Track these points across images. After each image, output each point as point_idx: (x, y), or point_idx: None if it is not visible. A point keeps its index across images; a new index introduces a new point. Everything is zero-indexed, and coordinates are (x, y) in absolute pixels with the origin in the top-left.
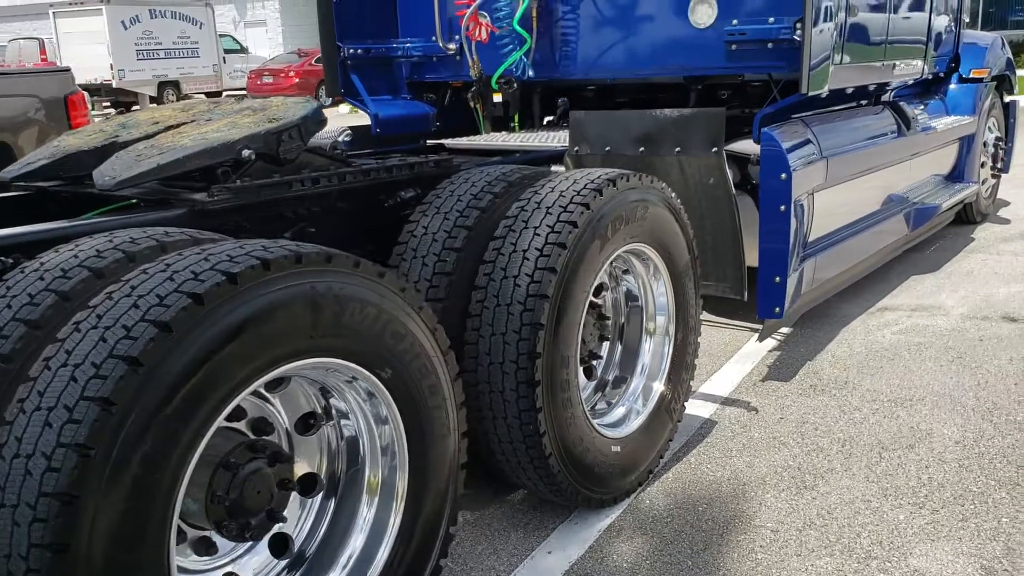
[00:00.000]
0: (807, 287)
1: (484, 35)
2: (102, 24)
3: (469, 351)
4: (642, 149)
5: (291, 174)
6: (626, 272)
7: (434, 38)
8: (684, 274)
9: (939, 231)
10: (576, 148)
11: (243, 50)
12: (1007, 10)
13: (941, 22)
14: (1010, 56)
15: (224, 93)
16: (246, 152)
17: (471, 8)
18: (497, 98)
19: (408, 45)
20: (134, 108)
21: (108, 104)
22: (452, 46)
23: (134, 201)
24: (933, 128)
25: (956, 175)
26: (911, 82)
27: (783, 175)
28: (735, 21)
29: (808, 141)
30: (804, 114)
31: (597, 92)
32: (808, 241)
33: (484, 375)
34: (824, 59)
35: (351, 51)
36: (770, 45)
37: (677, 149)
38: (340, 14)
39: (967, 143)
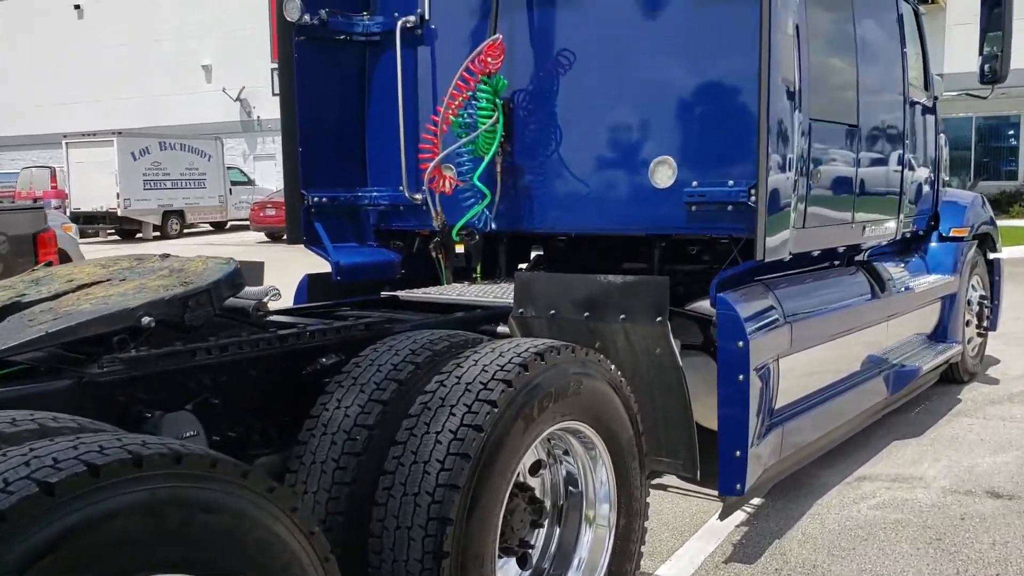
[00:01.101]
0: (775, 457)
1: (448, 187)
2: (112, 155)
3: (373, 544)
4: (587, 314)
5: (201, 340)
6: (565, 452)
7: (401, 188)
8: (627, 453)
9: (925, 391)
10: (521, 310)
11: (250, 182)
12: (1001, 160)
13: (916, 181)
14: (991, 214)
15: (229, 223)
16: (146, 319)
17: (434, 161)
18: (460, 249)
19: (375, 194)
20: (138, 236)
21: (112, 231)
22: (418, 196)
23: (25, 366)
24: (912, 288)
25: (939, 335)
26: (885, 243)
27: (740, 343)
28: (695, 183)
29: (770, 306)
30: (768, 276)
31: (569, 242)
32: (775, 409)
33: (387, 574)
34: (783, 224)
35: (315, 199)
36: (729, 208)
37: (622, 316)
38: (307, 162)
39: (949, 302)
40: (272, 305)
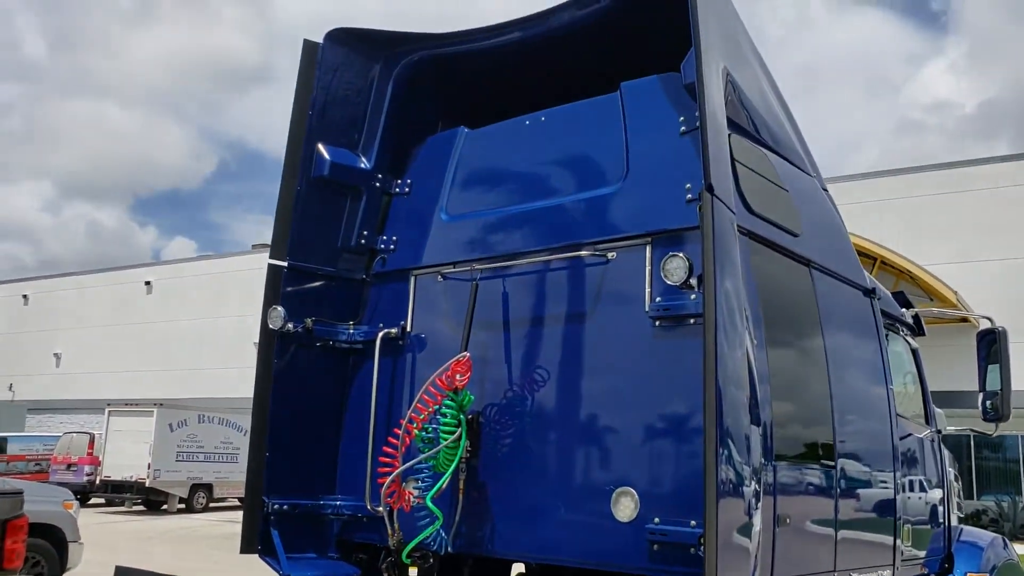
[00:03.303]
0: None
1: (407, 503)
2: (151, 425)
3: None
4: None
5: None
6: None
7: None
8: None
9: None
10: None
11: None
12: None
13: (918, 522)
14: (1015, 557)
15: None
16: None
17: (391, 476)
18: (414, 572)
19: (339, 503)
20: (163, 508)
21: (138, 501)
22: (381, 508)
23: None
24: None
25: None
26: None
27: None
28: (657, 520)
29: None
30: None
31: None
32: None
33: None
34: (743, 573)
35: (275, 506)
36: (692, 550)
37: None
38: (272, 468)
39: None
40: None
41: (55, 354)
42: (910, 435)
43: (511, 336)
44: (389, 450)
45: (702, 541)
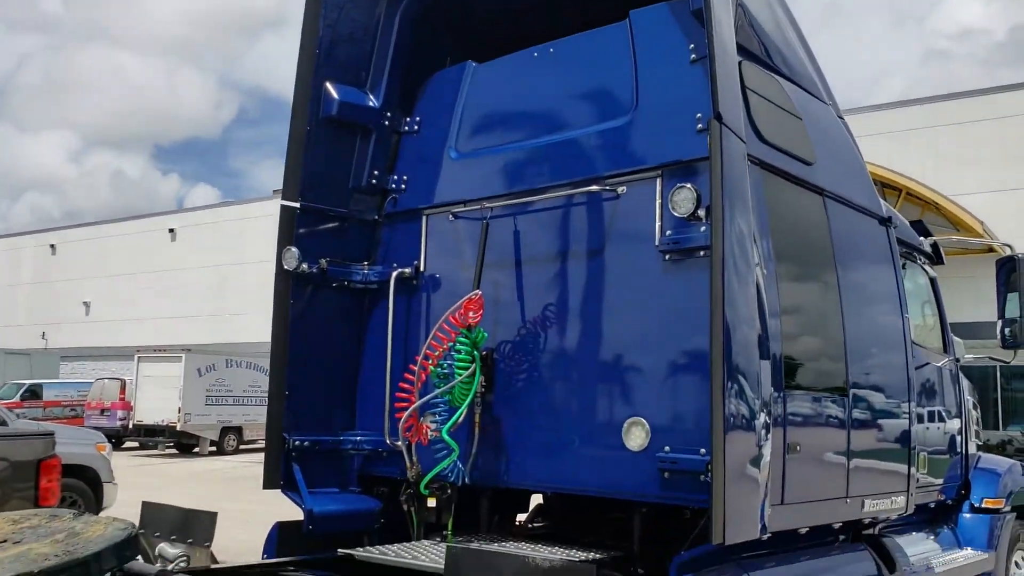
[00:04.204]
0: None
1: (424, 437)
2: (180, 370)
3: None
4: None
5: None
6: None
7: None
8: None
9: None
10: None
11: None
12: None
13: (934, 449)
14: None
15: None
16: None
17: (408, 410)
18: (432, 502)
19: (359, 438)
20: (195, 451)
21: (171, 445)
22: (400, 443)
23: None
24: (933, 568)
25: None
26: (896, 517)
27: None
28: (667, 448)
29: None
30: (747, 555)
31: (565, 496)
32: None
33: None
34: (751, 500)
35: (296, 442)
36: (702, 477)
37: None
38: (293, 405)
39: None
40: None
41: (84, 303)
42: (927, 364)
43: (523, 273)
44: (405, 386)
45: (710, 468)
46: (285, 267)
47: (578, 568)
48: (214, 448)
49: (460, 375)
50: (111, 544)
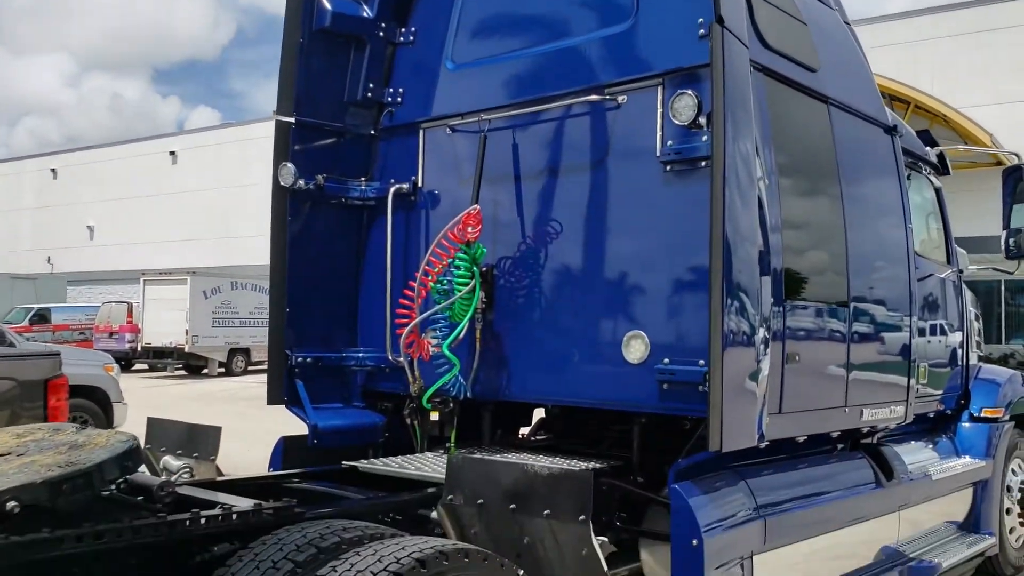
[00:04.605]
0: None
1: (425, 353)
2: (185, 292)
3: None
4: (513, 506)
5: (75, 525)
6: None
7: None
8: None
9: None
10: (451, 497)
11: None
12: None
13: (935, 360)
14: None
15: None
16: (11, 504)
17: (409, 326)
18: (435, 416)
19: (362, 354)
20: (203, 372)
21: (180, 367)
22: (402, 359)
23: None
24: (930, 475)
25: (972, 524)
26: (895, 426)
27: (694, 540)
28: (666, 360)
29: (739, 498)
30: (745, 463)
31: (568, 409)
32: None
33: None
34: (749, 409)
35: (299, 359)
36: (700, 388)
37: (546, 512)
38: (293, 322)
39: (982, 489)
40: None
41: (88, 227)
42: (931, 275)
43: (522, 187)
44: (406, 302)
45: (708, 378)
46: (281, 183)
47: (576, 475)
48: (223, 369)
49: (460, 291)
50: (113, 455)
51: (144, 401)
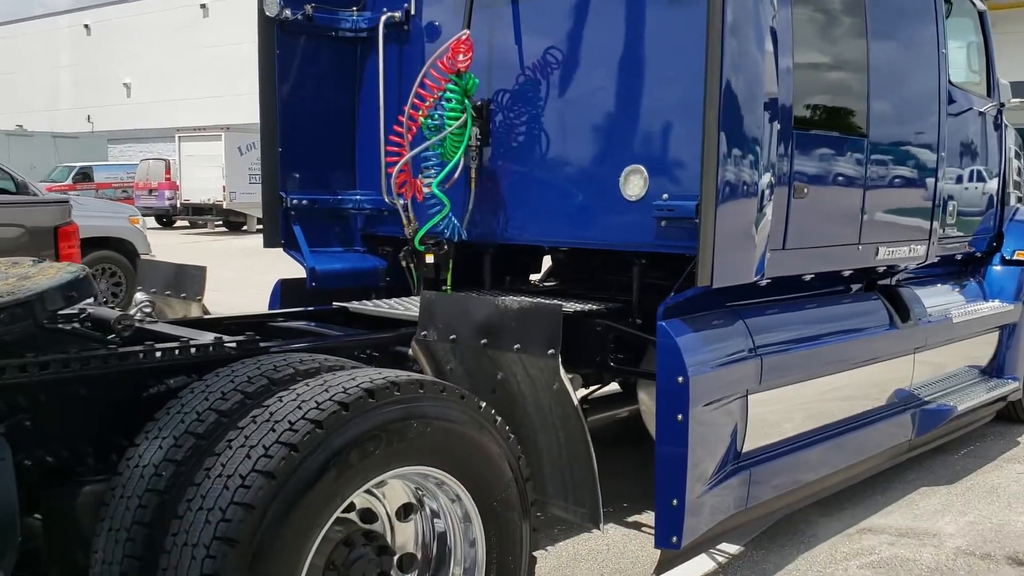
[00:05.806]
0: (739, 506)
1: (420, 193)
2: (220, 149)
3: None
4: (484, 341)
5: (16, 355)
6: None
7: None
8: (504, 504)
9: (980, 430)
10: (424, 333)
11: None
12: None
13: (965, 199)
14: None
15: None
16: None
17: (398, 164)
18: (430, 258)
19: (359, 197)
20: (243, 228)
21: (220, 223)
22: (397, 200)
23: None
24: (951, 318)
25: (996, 369)
26: (914, 266)
27: (679, 378)
28: (665, 196)
29: (732, 336)
30: (745, 302)
31: (574, 252)
32: (741, 452)
33: None
34: (744, 244)
35: (294, 201)
36: (696, 222)
37: (517, 346)
38: (287, 164)
39: (1008, 333)
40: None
41: (124, 84)
42: (967, 109)
43: (518, 13)
44: (395, 139)
45: (699, 210)
46: (267, 13)
47: (545, 308)
48: (262, 226)
49: (450, 126)
50: (56, 284)
51: (184, 258)
